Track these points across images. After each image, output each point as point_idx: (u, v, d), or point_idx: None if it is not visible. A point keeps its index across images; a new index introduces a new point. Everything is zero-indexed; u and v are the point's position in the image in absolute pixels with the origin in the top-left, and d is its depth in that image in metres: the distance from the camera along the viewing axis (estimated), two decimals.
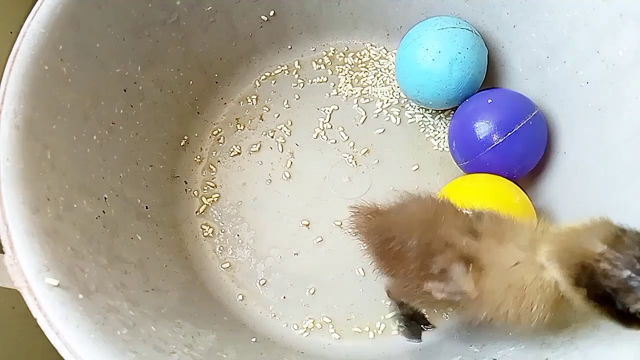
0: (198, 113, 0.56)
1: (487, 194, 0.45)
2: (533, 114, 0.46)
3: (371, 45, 0.60)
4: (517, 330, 0.34)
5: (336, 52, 0.59)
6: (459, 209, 0.37)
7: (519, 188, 0.46)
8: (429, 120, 0.56)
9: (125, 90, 0.47)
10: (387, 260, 0.40)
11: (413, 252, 0.37)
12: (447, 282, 0.34)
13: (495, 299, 0.32)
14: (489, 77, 0.53)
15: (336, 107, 0.57)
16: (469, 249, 0.33)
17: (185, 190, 0.54)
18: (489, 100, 0.48)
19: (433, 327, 0.45)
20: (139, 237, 0.45)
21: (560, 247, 0.28)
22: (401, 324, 0.46)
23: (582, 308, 0.29)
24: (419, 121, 0.56)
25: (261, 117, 0.57)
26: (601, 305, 0.26)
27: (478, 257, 0.33)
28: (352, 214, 0.42)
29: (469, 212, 0.37)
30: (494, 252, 0.33)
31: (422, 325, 0.46)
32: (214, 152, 0.56)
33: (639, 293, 0.24)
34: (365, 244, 0.42)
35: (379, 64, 0.59)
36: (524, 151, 0.46)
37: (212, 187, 0.54)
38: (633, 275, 0.24)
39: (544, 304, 0.30)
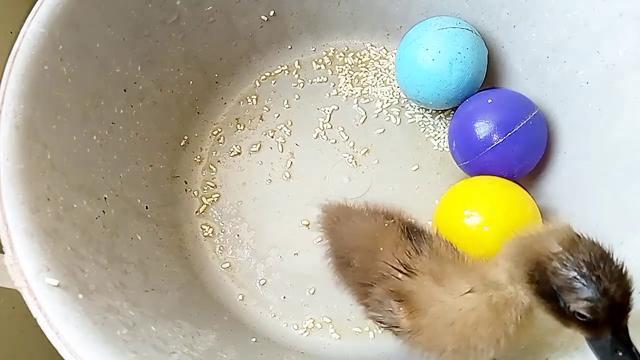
0: (198, 113, 0.56)
1: (500, 200, 0.45)
2: (533, 114, 0.46)
3: (371, 45, 0.60)
4: None
5: (336, 52, 0.59)
6: (401, 238, 0.37)
7: (531, 198, 0.46)
8: (429, 120, 0.56)
9: (125, 90, 0.47)
10: (338, 271, 0.41)
11: (355, 273, 0.38)
12: (384, 313, 0.35)
13: (434, 336, 0.32)
14: (489, 77, 0.53)
15: (336, 107, 0.57)
16: (402, 286, 0.34)
17: (185, 190, 0.54)
18: (489, 100, 0.48)
19: None
20: (139, 237, 0.45)
21: (521, 245, 0.30)
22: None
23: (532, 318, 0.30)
24: (419, 121, 0.56)
25: (261, 117, 0.57)
26: (547, 301, 0.28)
27: (412, 294, 0.33)
28: (321, 211, 0.43)
29: (413, 238, 0.37)
30: (430, 290, 0.33)
31: None
32: (214, 152, 0.56)
33: (579, 294, 0.27)
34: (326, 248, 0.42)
35: (379, 64, 0.59)
36: (524, 151, 0.46)
37: (212, 187, 0.54)
38: (578, 277, 0.27)
39: (494, 340, 0.31)
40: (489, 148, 0.46)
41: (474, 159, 0.47)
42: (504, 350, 0.32)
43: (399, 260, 0.35)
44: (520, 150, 0.46)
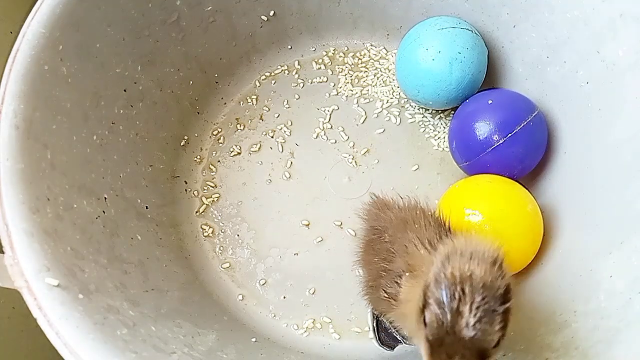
0: (198, 113, 0.56)
1: (501, 198, 0.45)
2: (534, 115, 0.46)
3: (371, 45, 0.60)
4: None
5: (336, 52, 0.59)
6: (431, 223, 0.36)
7: (531, 196, 0.46)
8: (429, 120, 0.56)
9: (125, 90, 0.47)
10: (366, 250, 0.41)
11: (382, 246, 0.37)
12: (393, 283, 0.34)
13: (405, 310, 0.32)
14: (489, 77, 0.53)
15: (336, 107, 0.57)
16: (418, 261, 0.33)
17: (185, 190, 0.54)
18: (490, 101, 0.48)
19: (407, 343, 0.45)
20: (139, 237, 0.45)
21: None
22: (375, 332, 0.46)
23: None
24: (419, 121, 0.56)
25: (261, 117, 0.57)
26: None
27: (420, 270, 0.32)
28: (370, 202, 0.43)
29: (444, 231, 0.36)
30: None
31: (393, 341, 0.46)
32: (214, 152, 0.56)
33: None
34: (363, 234, 0.42)
35: (379, 64, 0.59)
36: (525, 152, 0.46)
37: (212, 187, 0.54)
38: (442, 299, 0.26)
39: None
40: (490, 149, 0.46)
41: (475, 160, 0.47)
42: None
43: (427, 237, 0.34)
44: (521, 151, 0.46)
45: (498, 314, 0.25)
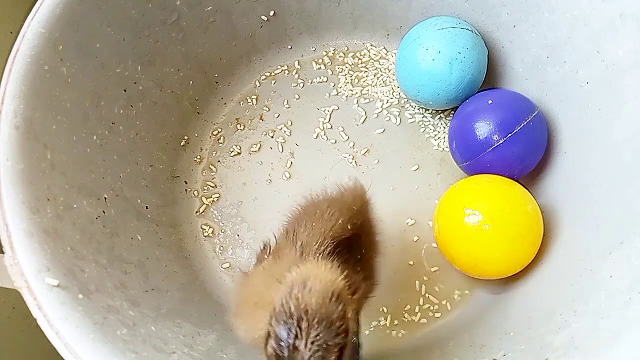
0: (198, 113, 0.56)
1: (500, 199, 0.45)
2: (533, 115, 0.46)
3: (371, 45, 0.60)
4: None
5: (336, 52, 0.59)
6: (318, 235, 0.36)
7: (532, 196, 0.46)
8: (429, 120, 0.56)
9: (125, 90, 0.47)
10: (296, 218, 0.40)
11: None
12: (263, 252, 0.36)
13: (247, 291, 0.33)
14: (489, 77, 0.53)
15: (336, 107, 0.57)
16: (282, 252, 0.34)
17: (185, 190, 0.54)
18: (489, 101, 0.48)
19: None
20: (139, 237, 0.45)
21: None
22: None
23: None
24: (419, 121, 0.56)
25: (261, 117, 0.57)
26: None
27: (280, 253, 0.34)
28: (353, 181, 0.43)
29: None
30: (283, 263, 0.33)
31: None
32: (214, 152, 0.56)
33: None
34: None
35: (379, 64, 0.59)
36: (525, 152, 0.46)
37: (212, 187, 0.54)
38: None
39: None
40: (490, 149, 0.46)
41: (475, 160, 0.47)
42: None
43: (301, 240, 0.35)
44: (521, 151, 0.46)
45: (333, 346, 0.27)
